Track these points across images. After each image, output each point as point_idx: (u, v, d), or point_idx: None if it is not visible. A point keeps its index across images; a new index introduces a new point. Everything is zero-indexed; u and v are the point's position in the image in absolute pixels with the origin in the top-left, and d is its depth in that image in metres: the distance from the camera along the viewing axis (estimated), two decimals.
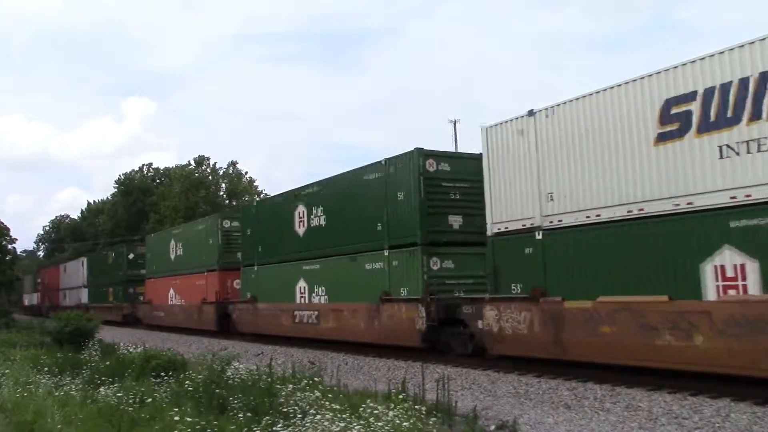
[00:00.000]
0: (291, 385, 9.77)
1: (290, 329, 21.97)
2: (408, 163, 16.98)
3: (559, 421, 9.70)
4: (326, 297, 20.13)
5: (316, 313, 20.47)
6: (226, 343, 22.92)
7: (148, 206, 64.76)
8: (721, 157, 10.43)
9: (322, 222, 20.76)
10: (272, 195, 24.38)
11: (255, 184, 64.82)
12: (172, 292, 33.14)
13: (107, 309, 43.09)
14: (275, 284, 23.23)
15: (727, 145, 10.35)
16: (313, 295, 20.79)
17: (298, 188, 22.49)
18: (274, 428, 7.36)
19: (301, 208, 21.91)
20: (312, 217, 21.23)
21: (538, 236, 13.39)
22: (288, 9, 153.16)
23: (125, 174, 72.17)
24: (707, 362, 10.31)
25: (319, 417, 7.40)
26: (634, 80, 11.84)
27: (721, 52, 10.55)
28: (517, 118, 14.05)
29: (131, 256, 41.62)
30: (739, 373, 10.02)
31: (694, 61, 10.92)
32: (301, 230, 21.89)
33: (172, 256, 33.42)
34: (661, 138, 11.32)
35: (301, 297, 21.40)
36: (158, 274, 35.51)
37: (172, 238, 34.01)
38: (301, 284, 21.46)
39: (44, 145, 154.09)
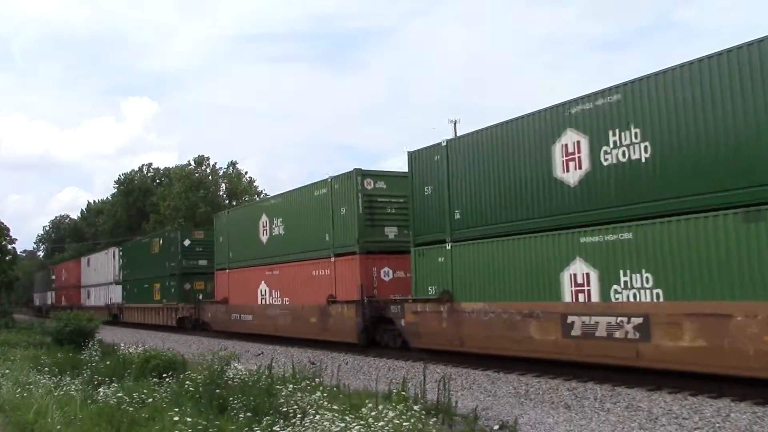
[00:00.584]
0: (291, 386, 9.78)
1: (556, 348, 12.87)
2: None
3: (559, 422, 9.71)
4: (658, 292, 11.20)
5: (637, 320, 11.43)
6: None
7: (148, 206, 64.75)
8: None
9: (642, 154, 11.66)
10: (473, 130, 15.64)
11: (255, 184, 64.80)
12: (264, 287, 23.86)
13: (154, 310, 35.29)
14: (501, 272, 14.24)
15: None
16: (615, 288, 11.87)
17: (558, 105, 13.35)
18: (274, 428, 7.36)
19: (571, 138, 12.88)
20: (606, 150, 12.18)
21: None
22: (288, 9, 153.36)
23: (125, 174, 72.28)
24: None
25: (318, 417, 7.41)
26: None
27: None
28: None
29: (187, 242, 32.79)
30: None
31: None
32: (572, 176, 12.86)
33: (264, 238, 24.15)
34: None
35: (578, 292, 12.51)
36: (238, 264, 26.30)
37: (262, 213, 24.48)
38: (577, 268, 12.55)
39: (45, 145, 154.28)
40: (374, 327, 18.40)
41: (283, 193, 24.39)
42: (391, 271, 19.10)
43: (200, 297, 30.76)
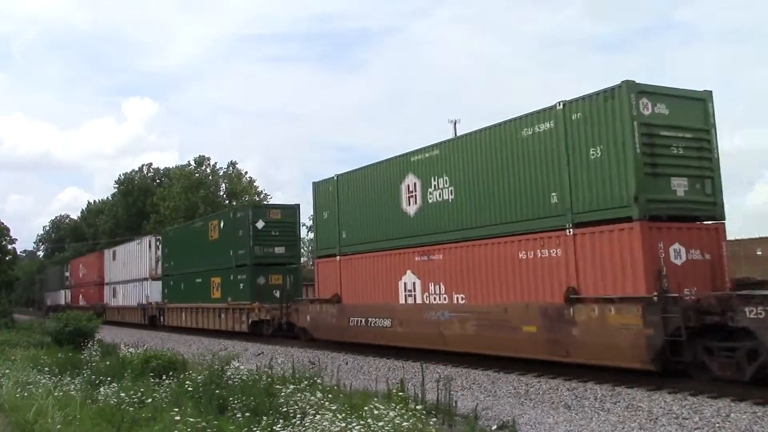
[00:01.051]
0: (291, 386, 9.78)
1: None
2: None
3: (559, 422, 9.70)
4: None
5: None
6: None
7: (148, 206, 64.75)
8: None
9: None
10: None
11: (255, 184, 64.83)
12: (410, 279, 16.71)
13: (212, 312, 27.69)
14: None
15: None
16: None
17: None
18: (274, 428, 7.37)
19: None
20: None
21: None
22: (289, 9, 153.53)
23: (125, 174, 72.34)
24: None
25: (318, 417, 7.41)
26: None
27: None
28: None
29: (261, 224, 25.16)
30: None
31: None
32: None
33: (411, 209, 16.94)
34: None
35: None
36: (357, 248, 19.03)
37: (407, 173, 17.11)
38: None
39: (46, 145, 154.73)
40: (679, 343, 10.87)
41: (449, 141, 16.46)
42: (683, 250, 11.93)
43: (278, 294, 23.93)
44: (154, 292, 34.96)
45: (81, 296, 50.55)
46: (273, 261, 25.33)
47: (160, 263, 34.90)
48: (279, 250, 25.30)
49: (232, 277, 26.11)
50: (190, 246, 30.74)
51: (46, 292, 66.63)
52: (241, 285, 25.41)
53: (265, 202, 27.59)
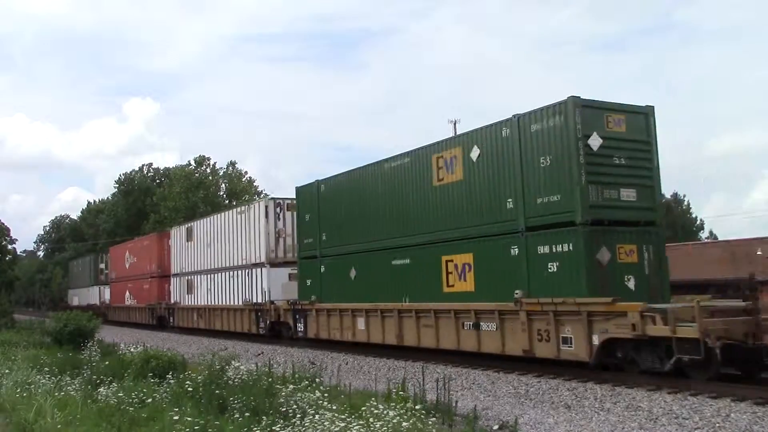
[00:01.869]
0: (291, 386, 9.78)
1: None
2: None
3: (559, 422, 9.70)
4: None
5: None
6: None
7: (148, 206, 64.74)
8: None
9: None
10: None
11: (255, 184, 64.88)
12: None
13: (451, 320, 14.66)
14: None
15: None
16: None
17: None
18: (273, 428, 7.37)
19: None
20: None
21: None
22: (288, 9, 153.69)
23: (125, 174, 72.33)
24: None
25: (318, 417, 7.41)
26: None
27: None
28: None
29: (596, 142, 12.04)
30: None
31: None
32: None
33: None
34: None
35: None
36: None
37: None
38: None
39: (47, 145, 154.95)
40: None
41: None
42: None
43: (631, 283, 12.30)
44: (275, 285, 22.79)
45: (128, 293, 38.80)
46: (619, 217, 12.55)
47: (284, 240, 23.36)
48: (628, 194, 12.70)
49: (515, 252, 13.33)
50: (374, 204, 17.76)
51: (71, 290, 55.44)
52: (552, 266, 12.56)
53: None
